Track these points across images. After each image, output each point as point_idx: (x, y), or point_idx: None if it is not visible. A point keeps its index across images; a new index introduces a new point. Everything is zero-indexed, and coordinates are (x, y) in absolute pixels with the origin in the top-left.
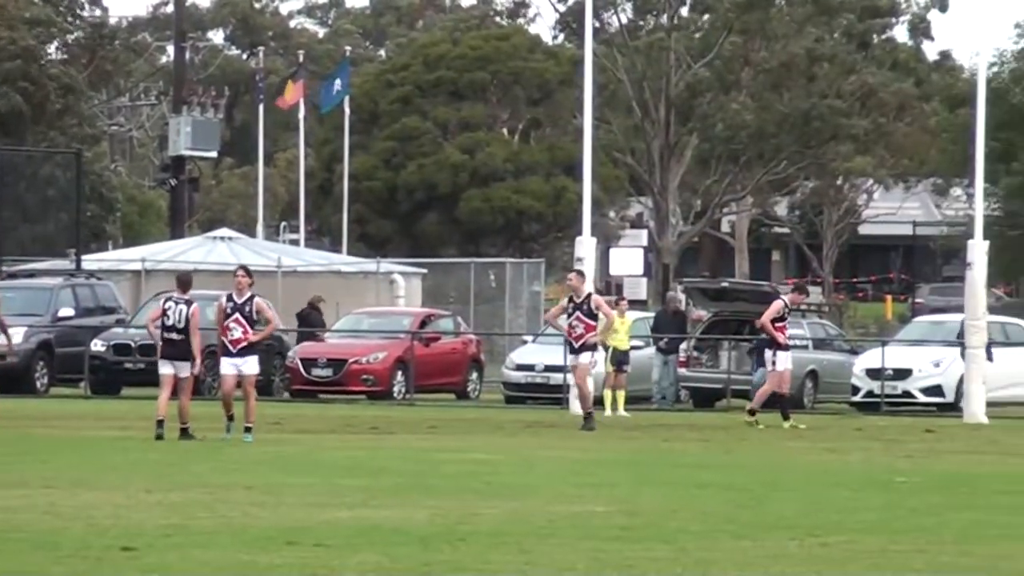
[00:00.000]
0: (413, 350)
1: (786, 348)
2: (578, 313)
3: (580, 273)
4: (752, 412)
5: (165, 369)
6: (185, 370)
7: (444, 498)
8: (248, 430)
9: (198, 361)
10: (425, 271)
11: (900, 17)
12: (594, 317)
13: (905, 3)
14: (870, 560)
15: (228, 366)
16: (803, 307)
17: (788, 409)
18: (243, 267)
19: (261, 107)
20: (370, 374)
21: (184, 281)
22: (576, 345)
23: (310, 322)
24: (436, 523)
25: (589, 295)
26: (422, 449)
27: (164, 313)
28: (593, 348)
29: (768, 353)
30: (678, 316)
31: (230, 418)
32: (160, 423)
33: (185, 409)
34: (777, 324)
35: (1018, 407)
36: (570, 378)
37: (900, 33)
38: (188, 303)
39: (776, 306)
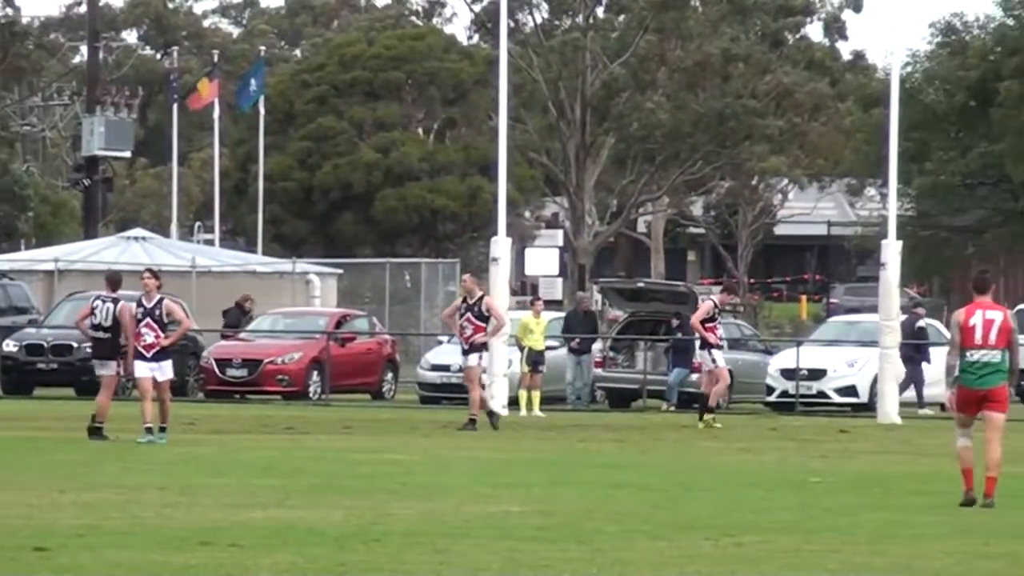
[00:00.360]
0: (329, 350)
1: (719, 347)
2: (469, 314)
3: (474, 275)
4: (710, 410)
5: (100, 370)
6: (109, 368)
7: (359, 498)
8: (163, 430)
9: (130, 359)
10: (341, 271)
11: (814, 17)
12: (485, 319)
13: (820, 3)
14: (785, 560)
15: (144, 370)
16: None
17: (706, 409)
18: (149, 269)
19: (175, 107)
20: (285, 374)
21: (113, 280)
22: (465, 346)
23: (234, 321)
24: (351, 523)
25: (481, 297)
26: (337, 449)
27: (92, 312)
28: (481, 349)
29: (704, 353)
30: (589, 316)
31: (148, 429)
32: (99, 425)
33: (103, 408)
34: (707, 324)
35: (935, 406)
36: (484, 378)
37: (815, 33)
38: (115, 302)
39: (706, 306)
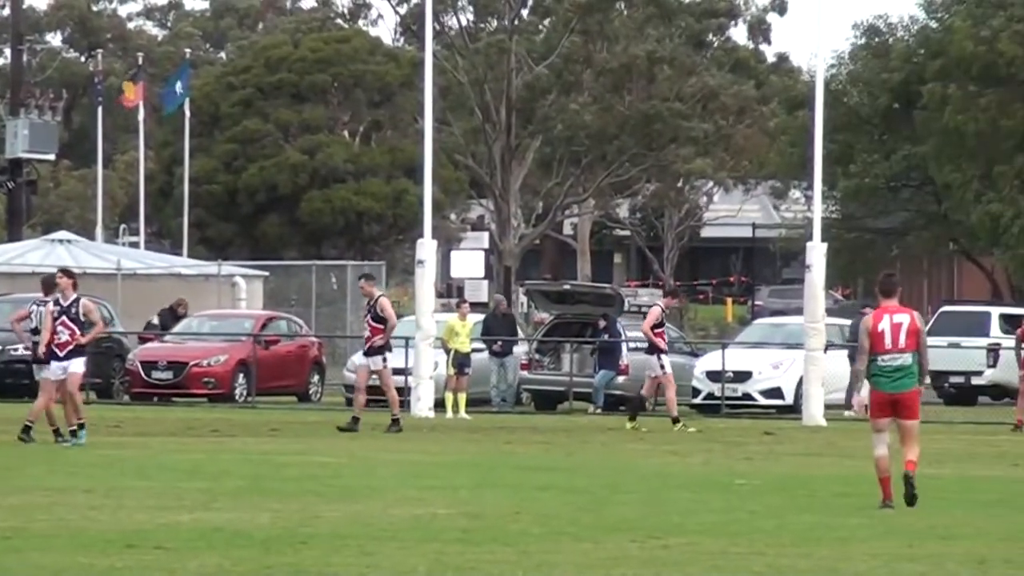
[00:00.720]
0: (255, 352)
1: (666, 352)
2: (368, 317)
3: (369, 277)
4: (676, 420)
5: (40, 374)
6: (44, 371)
7: (286, 501)
8: (81, 426)
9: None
10: (267, 273)
11: (739, 19)
12: (381, 320)
13: (744, 5)
14: (710, 562)
15: (55, 370)
16: (644, 309)
17: (636, 411)
18: (63, 269)
19: (100, 109)
20: (211, 377)
21: (48, 284)
22: (365, 348)
23: (166, 324)
24: (277, 526)
25: (377, 299)
26: (263, 452)
27: (29, 316)
28: (381, 351)
29: (653, 359)
30: (507, 318)
31: (56, 432)
32: (56, 430)
33: (38, 410)
34: (657, 330)
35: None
36: (410, 380)
37: (739, 35)
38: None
39: (655, 312)
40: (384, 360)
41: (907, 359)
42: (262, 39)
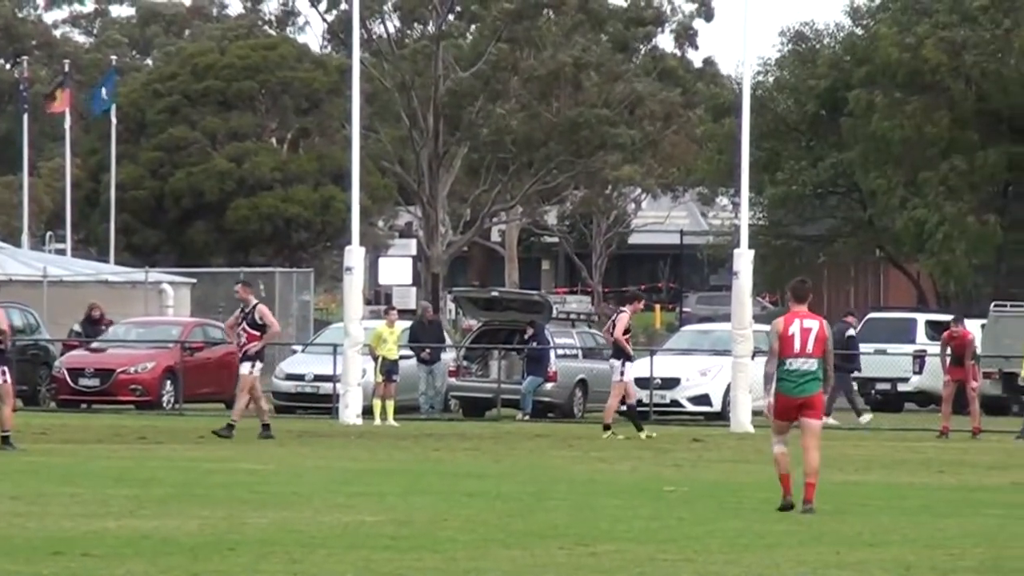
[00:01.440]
0: (182, 360)
1: (633, 359)
2: (244, 323)
3: (247, 284)
4: (607, 427)
5: None
6: None
7: (213, 508)
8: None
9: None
10: (194, 280)
11: (665, 26)
12: (259, 327)
13: (671, 12)
14: (638, 569)
15: None
16: (572, 316)
17: (639, 419)
18: None
19: (26, 116)
20: (139, 384)
21: None
22: (241, 355)
23: (90, 330)
24: (205, 533)
25: (255, 305)
26: (191, 459)
27: None
28: (255, 358)
29: (616, 363)
30: (433, 325)
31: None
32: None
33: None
34: (625, 336)
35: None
36: (339, 387)
37: (666, 42)
38: None
39: (624, 319)
40: (253, 367)
41: (813, 364)
42: (189, 46)
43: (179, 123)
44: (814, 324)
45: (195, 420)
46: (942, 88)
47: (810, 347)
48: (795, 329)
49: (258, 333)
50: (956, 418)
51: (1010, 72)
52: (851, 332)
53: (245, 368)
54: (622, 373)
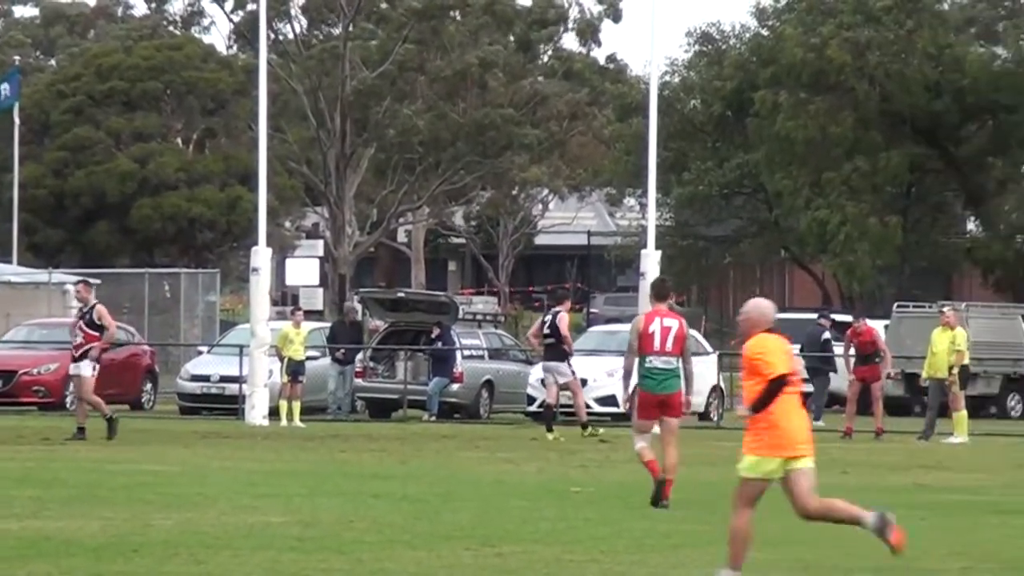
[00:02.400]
0: None
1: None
2: (80, 323)
3: (87, 283)
4: (585, 426)
5: None
6: None
7: (117, 509)
8: None
9: None
10: (98, 281)
11: (572, 25)
12: (96, 328)
13: (578, 12)
14: (545, 570)
15: None
16: (479, 317)
17: (549, 421)
18: None
19: None
20: (41, 385)
21: None
22: (76, 355)
23: None
24: (108, 534)
25: (94, 305)
26: (95, 460)
27: None
28: (96, 359)
29: (564, 366)
30: (355, 327)
31: None
32: None
33: None
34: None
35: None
36: (245, 388)
37: (573, 42)
38: None
39: (566, 319)
40: (93, 369)
41: (672, 362)
42: (93, 47)
43: (83, 123)
44: (674, 323)
45: (99, 421)
46: (846, 88)
47: (669, 345)
48: (655, 327)
49: (96, 334)
50: (859, 419)
51: (913, 73)
52: (826, 335)
53: (86, 370)
54: (573, 372)
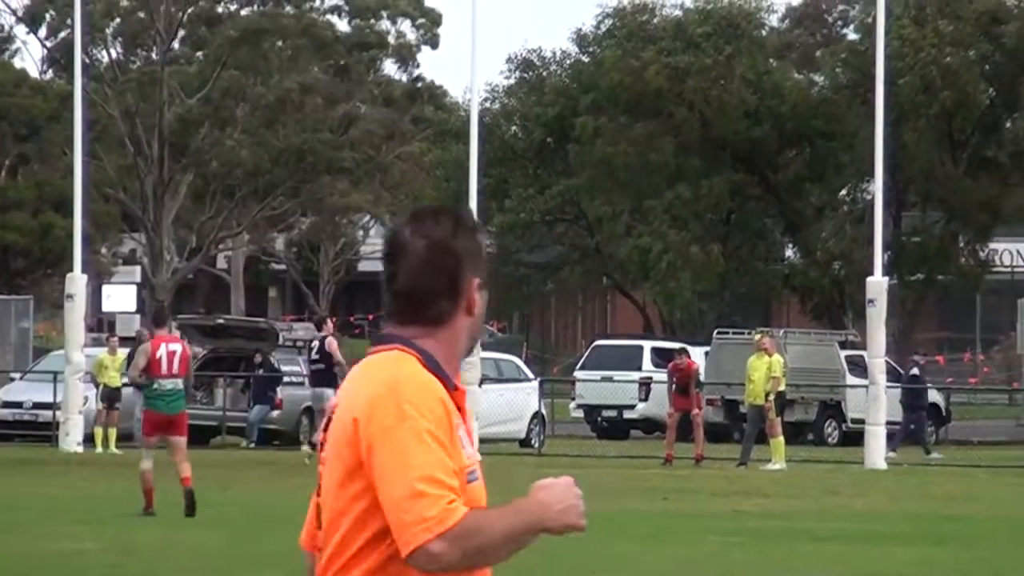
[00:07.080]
0: None
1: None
2: None
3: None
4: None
5: None
6: None
7: None
8: None
9: None
10: None
11: (391, 52)
12: None
13: (397, 38)
14: None
15: None
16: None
17: None
18: None
19: None
20: None
21: None
22: None
23: None
24: None
25: None
26: None
27: None
28: None
29: (330, 391)
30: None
31: None
32: None
33: None
34: None
35: (511, 443)
36: (59, 415)
37: (392, 68)
38: None
39: (335, 343)
40: None
41: (179, 383)
42: None
43: None
44: (177, 347)
45: None
46: (666, 114)
47: (175, 367)
48: (162, 352)
49: None
50: (679, 445)
51: (732, 99)
52: (915, 371)
53: None
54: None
